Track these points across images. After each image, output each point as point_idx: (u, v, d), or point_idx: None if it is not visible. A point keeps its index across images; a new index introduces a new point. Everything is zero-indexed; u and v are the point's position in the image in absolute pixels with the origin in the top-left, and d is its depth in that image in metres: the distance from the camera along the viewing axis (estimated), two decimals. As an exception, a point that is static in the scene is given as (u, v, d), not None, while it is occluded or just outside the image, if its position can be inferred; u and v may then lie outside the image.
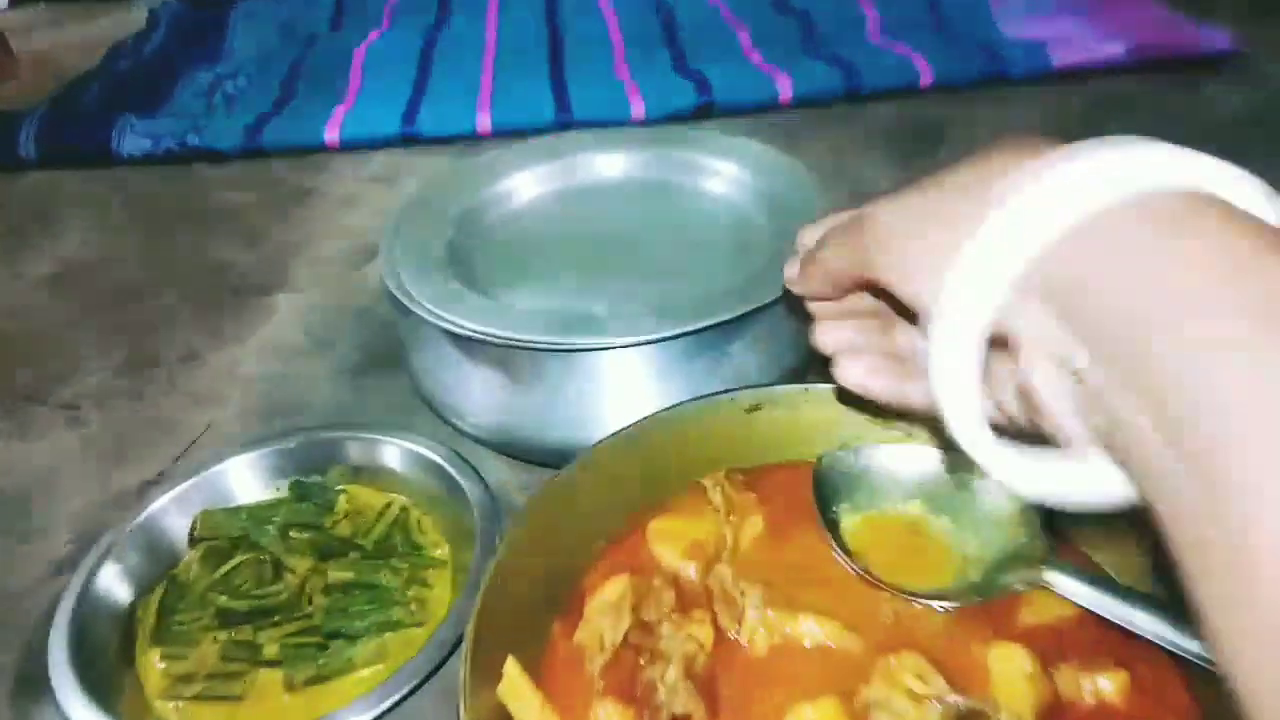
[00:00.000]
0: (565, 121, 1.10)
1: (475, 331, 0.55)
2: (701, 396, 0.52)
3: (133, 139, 1.09)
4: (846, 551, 0.48)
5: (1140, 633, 0.41)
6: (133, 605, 0.55)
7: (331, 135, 1.09)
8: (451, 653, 0.50)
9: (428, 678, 0.48)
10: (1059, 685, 0.42)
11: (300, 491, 0.61)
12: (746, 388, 0.53)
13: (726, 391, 0.53)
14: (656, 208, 0.69)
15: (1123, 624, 0.42)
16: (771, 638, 0.44)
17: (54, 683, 0.49)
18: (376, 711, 0.47)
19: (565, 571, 0.48)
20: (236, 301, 0.84)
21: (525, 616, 0.45)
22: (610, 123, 1.08)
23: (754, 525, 0.50)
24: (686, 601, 0.47)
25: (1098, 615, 0.43)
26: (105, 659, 0.52)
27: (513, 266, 0.65)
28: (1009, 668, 0.42)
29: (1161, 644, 0.40)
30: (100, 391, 0.75)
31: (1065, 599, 0.44)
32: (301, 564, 0.56)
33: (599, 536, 0.50)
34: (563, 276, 0.63)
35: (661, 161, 0.71)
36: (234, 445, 0.63)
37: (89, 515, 0.64)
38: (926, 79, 1.12)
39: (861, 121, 1.07)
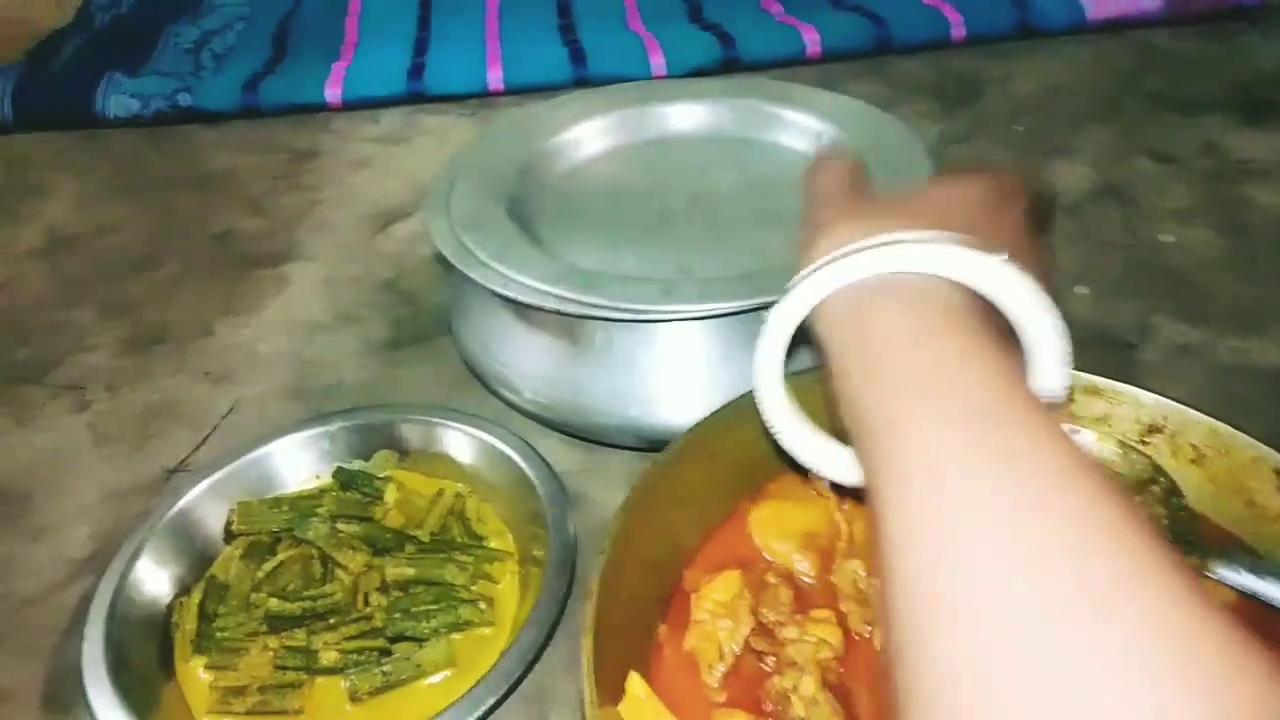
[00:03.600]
0: (582, 77, 1.04)
1: (539, 295, 0.50)
2: (803, 370, 0.48)
3: (119, 100, 1.01)
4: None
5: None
6: (168, 609, 0.50)
7: (333, 94, 1.02)
8: (537, 658, 0.45)
9: (515, 685, 0.44)
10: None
11: (345, 479, 0.55)
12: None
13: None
14: (734, 164, 0.63)
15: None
16: (907, 638, 0.40)
17: (90, 697, 0.43)
18: None
19: (666, 568, 0.44)
20: (245, 272, 0.78)
21: (632, 621, 0.40)
22: (630, 79, 1.02)
23: (868, 514, 0.45)
24: (804, 600, 0.42)
25: (1247, 601, 0.40)
26: (143, 670, 0.47)
27: (579, 226, 0.59)
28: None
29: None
30: (106, 371, 0.69)
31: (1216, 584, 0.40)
32: (354, 560, 0.50)
33: (698, 527, 0.45)
34: (635, 238, 0.57)
35: (740, 115, 0.65)
36: (264, 429, 0.58)
37: (105, 509, 0.58)
38: (959, 32, 1.06)
39: (894, 75, 1.02)
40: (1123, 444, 0.46)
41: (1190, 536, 0.42)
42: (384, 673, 0.46)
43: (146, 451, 0.62)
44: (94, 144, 0.99)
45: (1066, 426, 0.46)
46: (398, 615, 0.48)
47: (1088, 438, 0.46)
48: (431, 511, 0.53)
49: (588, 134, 0.65)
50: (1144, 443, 0.46)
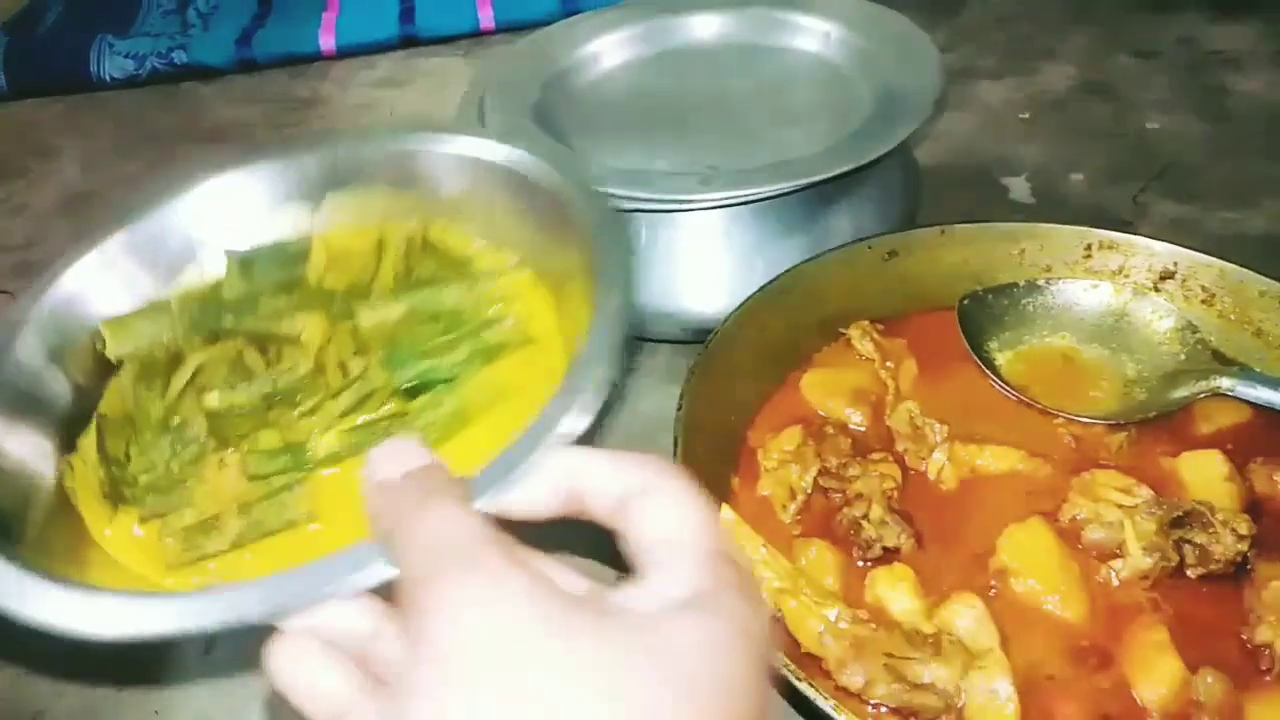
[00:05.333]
0: (571, 9, 1.05)
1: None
2: (839, 246, 0.51)
3: (114, 61, 1.01)
4: (1007, 385, 0.48)
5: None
6: (53, 479, 0.34)
7: (327, 43, 1.03)
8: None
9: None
10: (1254, 483, 0.42)
11: (242, 260, 0.39)
12: (882, 234, 0.52)
13: (863, 240, 0.51)
14: (748, 69, 0.66)
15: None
16: (960, 471, 0.44)
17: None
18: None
19: (730, 430, 0.47)
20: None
21: (707, 474, 0.44)
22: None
23: (909, 369, 0.49)
24: (860, 447, 0.46)
25: (1273, 419, 0.44)
26: (45, 560, 0.30)
27: (608, 134, 0.62)
28: (1204, 473, 0.43)
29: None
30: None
31: (1241, 403, 0.45)
32: (310, 324, 0.36)
33: (754, 393, 0.49)
34: (663, 142, 0.60)
35: (750, 22, 0.68)
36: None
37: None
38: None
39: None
40: (1138, 290, 0.50)
41: (1208, 363, 0.46)
42: (418, 431, 0.33)
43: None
44: (93, 106, 1.00)
45: (1088, 281, 0.50)
46: (405, 361, 0.35)
47: (1106, 289, 0.50)
48: (383, 260, 0.39)
49: (606, 48, 0.68)
50: (1157, 289, 0.50)
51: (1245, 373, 0.45)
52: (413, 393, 0.35)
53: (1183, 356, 0.47)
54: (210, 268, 0.40)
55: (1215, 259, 0.48)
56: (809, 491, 0.43)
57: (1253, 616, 0.37)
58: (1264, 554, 0.39)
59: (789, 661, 0.33)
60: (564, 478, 0.25)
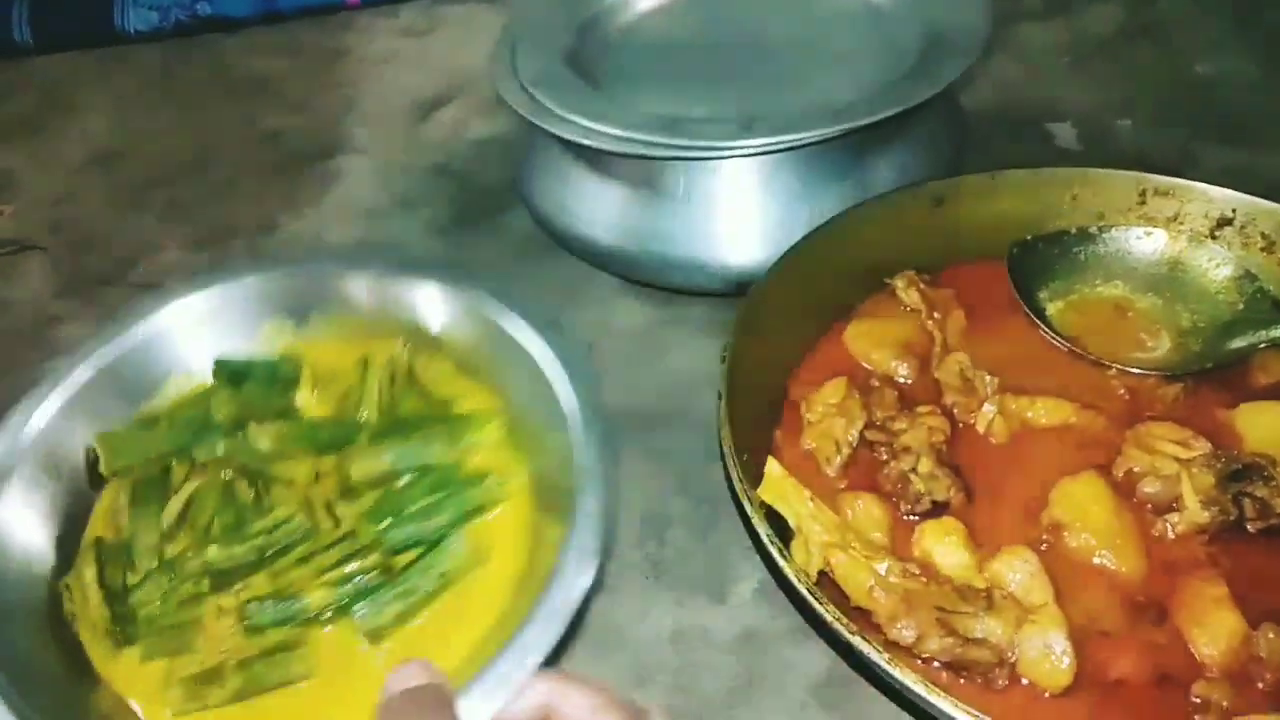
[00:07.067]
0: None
1: (622, 143, 0.51)
2: (885, 193, 0.50)
3: (138, 13, 1.00)
4: (1059, 335, 0.47)
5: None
6: (52, 596, 0.36)
7: (351, -8, 1.02)
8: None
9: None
10: (1317, 437, 0.41)
11: (231, 372, 0.42)
12: (929, 181, 0.50)
13: (910, 186, 0.50)
14: (784, 12, 0.64)
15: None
16: (1011, 424, 0.43)
17: None
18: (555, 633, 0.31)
19: (773, 383, 0.46)
20: (298, 168, 0.79)
21: (748, 427, 0.43)
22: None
23: (957, 320, 0.48)
24: (906, 400, 0.45)
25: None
26: (51, 693, 0.33)
27: (645, 80, 0.60)
28: (1263, 425, 0.42)
29: None
30: (181, 267, 0.70)
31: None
32: (297, 469, 0.39)
33: (797, 343, 0.48)
34: (701, 88, 0.58)
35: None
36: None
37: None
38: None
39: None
40: (1195, 237, 0.48)
41: (1267, 312, 0.45)
42: (401, 594, 0.35)
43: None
44: (117, 61, 0.99)
45: (1142, 228, 0.49)
46: (391, 522, 0.37)
47: (1160, 237, 0.49)
48: (366, 383, 0.41)
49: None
50: (1214, 237, 0.48)
51: (1310, 321, 0.43)
52: (400, 549, 0.37)
53: (1241, 306, 0.46)
54: (199, 373, 0.43)
55: (1276, 204, 0.46)
56: (854, 445, 0.42)
57: (1315, 571, 0.37)
58: (1327, 509, 0.38)
59: (840, 615, 0.33)
60: (543, 701, 0.29)
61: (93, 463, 0.39)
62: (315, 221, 0.73)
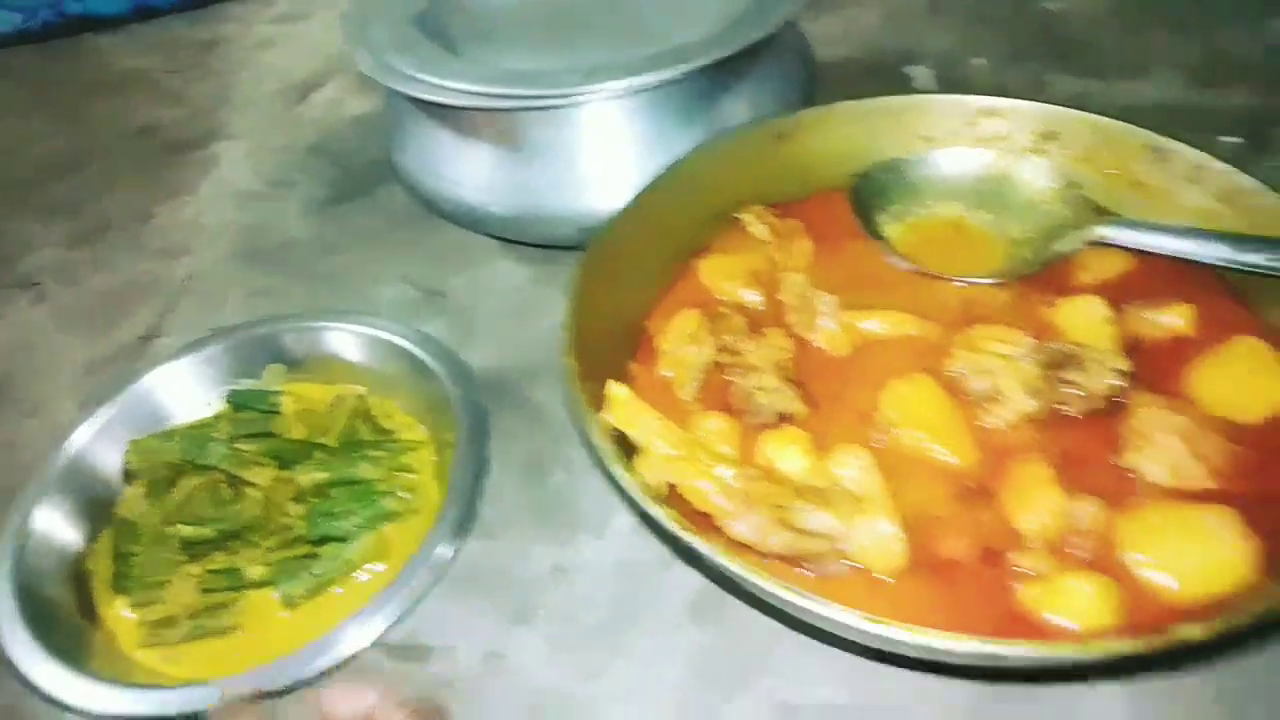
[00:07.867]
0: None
1: (472, 97, 0.52)
2: (729, 130, 0.51)
3: (1, 14, 0.98)
4: (898, 255, 0.49)
5: (1200, 259, 0.43)
6: (80, 557, 0.49)
7: (226, -17, 1.00)
8: (463, 533, 0.47)
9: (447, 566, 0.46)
10: (1131, 326, 0.44)
11: (238, 400, 0.55)
12: (770, 118, 0.52)
13: (752, 123, 0.52)
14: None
15: (1183, 256, 0.43)
16: (852, 337, 0.45)
17: (12, 655, 0.43)
18: (396, 611, 0.43)
19: (627, 317, 0.48)
20: (174, 158, 0.79)
21: (603, 360, 0.44)
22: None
23: (803, 248, 0.50)
24: (755, 325, 0.47)
25: (1150, 266, 0.45)
26: (64, 620, 0.46)
27: (496, 39, 0.61)
28: (1084, 316, 0.44)
29: (1221, 264, 0.42)
30: (59, 264, 0.70)
31: (1118, 251, 0.46)
32: (262, 475, 0.51)
33: (651, 281, 0.49)
34: (552, 44, 0.60)
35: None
36: (226, 290, 0.59)
37: (87, 384, 0.60)
38: None
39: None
40: (1021, 153, 0.50)
41: (1089, 216, 0.47)
42: (314, 574, 0.46)
43: (118, 326, 0.63)
44: (-13, 64, 0.97)
45: (973, 149, 0.51)
46: (319, 519, 0.48)
47: (989, 155, 0.51)
48: (334, 416, 0.53)
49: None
50: (1041, 152, 0.51)
51: (1123, 219, 0.46)
52: (322, 540, 0.48)
53: (1067, 213, 0.48)
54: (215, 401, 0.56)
55: (1093, 114, 0.49)
56: (707, 369, 0.44)
57: (1123, 443, 0.39)
58: (1139, 389, 0.41)
59: (678, 515, 0.34)
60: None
61: (127, 464, 0.53)
62: (193, 208, 0.73)
